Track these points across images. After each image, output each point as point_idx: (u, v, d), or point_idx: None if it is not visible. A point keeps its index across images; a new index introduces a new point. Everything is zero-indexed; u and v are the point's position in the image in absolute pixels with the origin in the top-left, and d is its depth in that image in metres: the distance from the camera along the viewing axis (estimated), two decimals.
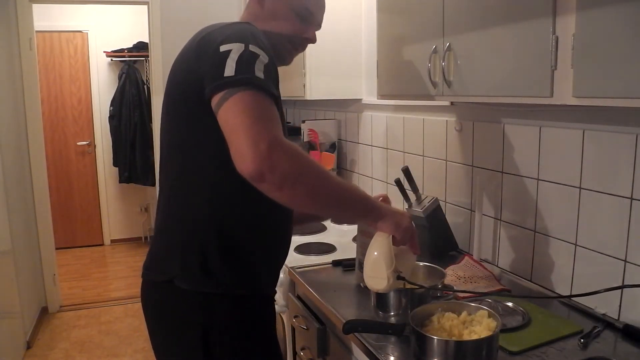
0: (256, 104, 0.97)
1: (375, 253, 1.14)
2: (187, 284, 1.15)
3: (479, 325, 1.11)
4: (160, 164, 1.28)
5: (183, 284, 1.15)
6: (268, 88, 1.01)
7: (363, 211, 1.13)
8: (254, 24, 1.18)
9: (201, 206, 1.16)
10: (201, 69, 1.06)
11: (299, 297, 1.82)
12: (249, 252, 1.19)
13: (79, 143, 5.25)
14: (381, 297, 1.33)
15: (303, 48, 1.32)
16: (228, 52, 1.02)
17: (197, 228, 1.16)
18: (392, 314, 1.32)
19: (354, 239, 1.95)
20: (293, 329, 1.85)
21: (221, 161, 1.07)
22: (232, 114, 0.97)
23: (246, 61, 1.01)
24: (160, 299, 1.22)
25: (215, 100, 1.00)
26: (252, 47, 1.04)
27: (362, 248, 1.50)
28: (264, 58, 1.04)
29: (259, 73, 1.01)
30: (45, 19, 4.77)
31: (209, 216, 1.16)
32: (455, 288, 1.39)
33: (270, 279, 1.29)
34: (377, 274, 1.14)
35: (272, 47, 1.13)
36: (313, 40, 1.32)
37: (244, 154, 0.93)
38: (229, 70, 0.99)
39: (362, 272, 1.19)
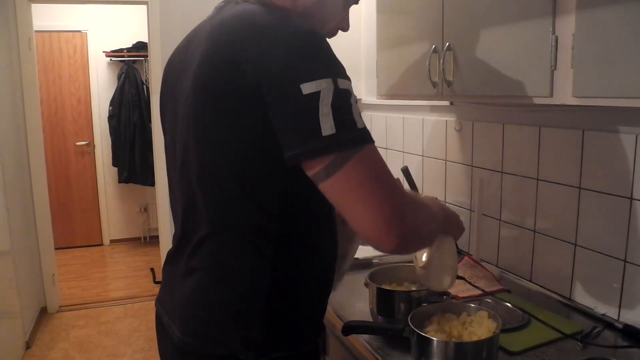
0: (375, 167, 0.83)
1: (444, 258, 1.15)
2: (254, 354, 0.94)
3: (479, 326, 1.11)
4: (178, 199, 1.02)
5: (250, 356, 0.94)
6: (371, 137, 0.84)
7: (442, 228, 1.08)
8: (292, 10, 0.96)
9: (255, 257, 0.93)
10: (270, 111, 0.82)
11: None
12: (309, 305, 1.02)
13: (78, 143, 5.24)
14: (381, 298, 1.32)
15: (330, 37, 1.05)
16: (316, 97, 0.78)
17: (252, 285, 0.94)
18: (392, 315, 1.32)
19: None
20: None
21: (277, 201, 0.90)
22: (351, 185, 0.81)
23: (343, 109, 0.80)
24: None
25: (316, 168, 0.81)
26: (340, 82, 0.82)
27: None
28: (351, 90, 0.84)
29: (359, 120, 0.82)
30: (44, 19, 4.76)
31: (264, 267, 0.93)
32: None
33: (322, 323, 1.10)
34: (442, 277, 1.17)
35: None
36: (347, 28, 1.09)
37: (376, 228, 0.81)
38: (327, 127, 0.78)
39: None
